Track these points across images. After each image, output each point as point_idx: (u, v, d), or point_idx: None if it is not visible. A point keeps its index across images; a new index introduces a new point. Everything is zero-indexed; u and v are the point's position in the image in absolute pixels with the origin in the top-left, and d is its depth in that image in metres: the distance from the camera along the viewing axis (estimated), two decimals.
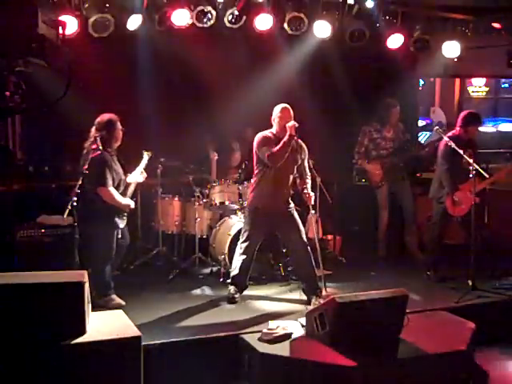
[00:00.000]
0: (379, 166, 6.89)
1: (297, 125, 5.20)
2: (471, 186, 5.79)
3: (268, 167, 5.30)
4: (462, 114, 6.23)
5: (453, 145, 5.86)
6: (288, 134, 5.18)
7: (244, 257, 5.41)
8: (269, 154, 5.20)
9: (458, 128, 6.15)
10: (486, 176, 5.73)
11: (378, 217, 7.04)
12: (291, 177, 5.44)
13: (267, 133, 5.37)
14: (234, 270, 5.48)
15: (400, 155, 6.90)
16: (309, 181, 5.53)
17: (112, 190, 5.03)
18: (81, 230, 4.76)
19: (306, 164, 5.53)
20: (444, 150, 6.06)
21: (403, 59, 7.17)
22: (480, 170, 5.67)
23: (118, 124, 5.16)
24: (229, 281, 5.57)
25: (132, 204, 5.21)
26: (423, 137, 10.05)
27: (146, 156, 5.63)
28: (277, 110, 5.35)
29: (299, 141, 5.35)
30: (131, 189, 5.29)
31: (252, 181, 5.52)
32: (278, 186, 5.34)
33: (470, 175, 5.64)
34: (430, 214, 6.46)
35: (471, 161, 5.64)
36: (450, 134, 6.18)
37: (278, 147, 5.19)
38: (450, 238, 6.43)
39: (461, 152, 5.69)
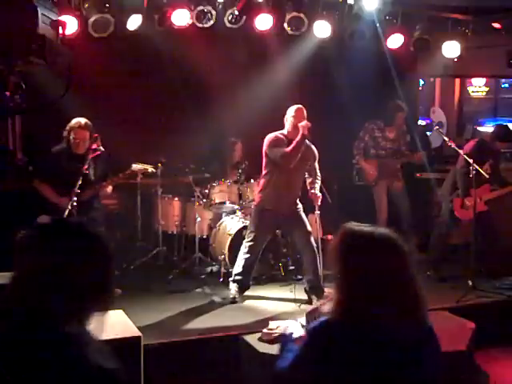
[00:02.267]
0: (375, 165, 6.90)
1: (309, 125, 5.20)
2: (482, 193, 5.89)
3: (278, 169, 5.30)
4: (499, 126, 6.34)
5: (453, 145, 5.90)
6: (301, 133, 5.17)
7: (248, 256, 5.41)
8: (282, 154, 5.19)
9: (488, 138, 6.25)
10: (486, 175, 5.75)
11: (376, 216, 7.05)
12: (300, 178, 5.45)
13: (278, 134, 5.36)
14: (237, 268, 5.48)
15: (398, 157, 6.90)
16: (318, 181, 5.54)
17: (40, 182, 5.17)
18: None
19: (317, 165, 5.55)
20: (471, 153, 6.02)
21: (403, 59, 7.17)
22: (482, 172, 5.68)
23: (74, 134, 5.17)
24: (231, 279, 5.56)
25: (61, 202, 5.04)
26: None
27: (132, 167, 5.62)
28: (291, 110, 5.35)
29: (308, 142, 5.36)
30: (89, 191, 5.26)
31: (261, 182, 5.53)
32: (288, 188, 5.34)
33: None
34: (434, 215, 6.49)
35: (475, 166, 5.67)
36: (477, 140, 6.25)
37: (291, 147, 5.18)
38: (453, 238, 6.46)
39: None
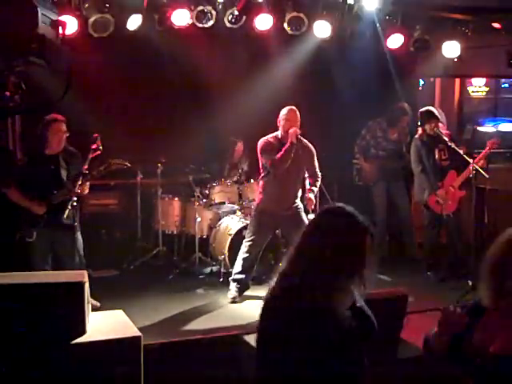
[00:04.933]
0: (374, 166, 6.89)
1: (298, 131, 5.22)
2: (451, 181, 5.88)
3: (273, 171, 5.33)
4: (420, 112, 6.23)
5: (452, 145, 5.90)
6: (289, 141, 5.20)
7: (247, 256, 5.43)
8: (270, 161, 5.24)
9: (420, 129, 6.18)
10: (486, 175, 5.75)
11: (376, 216, 7.04)
12: (297, 179, 5.46)
13: (269, 138, 5.40)
14: (237, 268, 5.49)
15: (399, 158, 6.89)
16: (318, 182, 5.54)
17: (13, 189, 4.87)
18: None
19: (316, 163, 5.54)
20: (413, 153, 6.11)
21: (403, 59, 7.17)
22: (480, 170, 5.68)
23: (53, 126, 4.95)
24: (231, 278, 5.57)
25: (37, 209, 4.83)
26: None
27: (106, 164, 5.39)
28: (283, 112, 5.37)
29: (305, 141, 5.37)
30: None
31: (260, 183, 5.58)
32: (284, 189, 5.37)
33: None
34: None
35: (475, 166, 5.69)
36: (416, 136, 6.23)
37: (279, 154, 5.22)
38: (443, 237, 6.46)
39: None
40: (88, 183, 5.05)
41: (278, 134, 5.41)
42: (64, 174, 5.05)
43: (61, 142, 5.00)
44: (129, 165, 5.57)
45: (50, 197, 4.87)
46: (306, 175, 5.56)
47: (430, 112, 6.13)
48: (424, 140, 6.07)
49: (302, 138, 5.40)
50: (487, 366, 2.16)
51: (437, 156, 6.03)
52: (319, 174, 5.59)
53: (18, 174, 5.02)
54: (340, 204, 2.28)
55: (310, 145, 5.52)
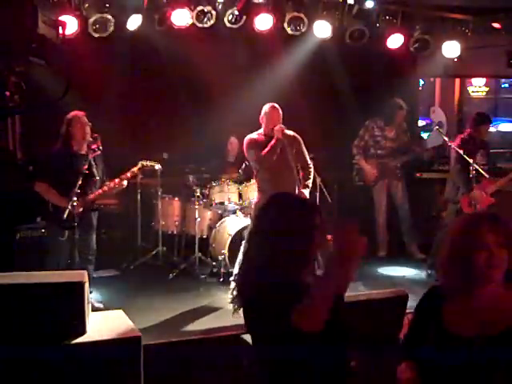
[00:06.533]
0: (375, 166, 6.88)
1: (283, 128, 5.21)
2: (486, 186, 5.87)
3: (262, 167, 5.32)
4: (473, 115, 6.28)
5: (453, 145, 5.90)
6: (275, 137, 5.20)
7: None
8: (257, 157, 5.24)
9: (468, 129, 6.17)
10: (486, 175, 5.76)
11: (376, 216, 7.04)
12: (292, 169, 5.40)
13: (254, 135, 5.39)
14: (238, 268, 5.47)
15: (398, 156, 6.89)
16: (311, 174, 5.49)
17: (43, 184, 4.93)
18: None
19: (305, 150, 5.50)
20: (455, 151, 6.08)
21: (403, 59, 7.17)
22: (481, 170, 5.70)
23: (78, 121, 5.01)
24: (231, 278, 5.56)
25: (64, 203, 4.83)
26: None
27: (139, 165, 5.57)
28: (264, 109, 5.37)
29: (290, 133, 5.34)
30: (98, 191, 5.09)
31: (256, 181, 5.57)
32: (279, 183, 5.31)
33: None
34: (435, 215, 6.45)
35: (475, 166, 5.69)
36: (462, 135, 6.21)
37: (265, 150, 5.22)
38: None
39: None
40: (124, 181, 5.20)
41: (261, 131, 5.41)
42: (95, 171, 5.11)
43: (86, 135, 5.03)
44: (156, 167, 5.71)
45: (83, 194, 4.92)
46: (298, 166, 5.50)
47: (488, 116, 6.24)
48: (469, 141, 6.06)
49: (286, 130, 5.36)
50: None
51: (477, 159, 6.00)
52: (310, 163, 5.52)
53: (52, 173, 5.01)
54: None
55: (296, 134, 5.47)
